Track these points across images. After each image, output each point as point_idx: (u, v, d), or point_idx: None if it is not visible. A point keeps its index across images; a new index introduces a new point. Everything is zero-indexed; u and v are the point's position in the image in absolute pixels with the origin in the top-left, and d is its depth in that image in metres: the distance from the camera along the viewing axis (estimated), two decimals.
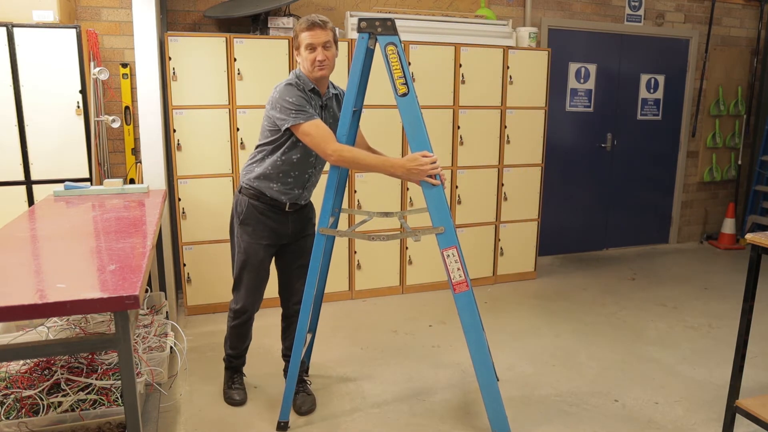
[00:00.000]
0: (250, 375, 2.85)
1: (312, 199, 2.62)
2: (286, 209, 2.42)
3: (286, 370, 2.69)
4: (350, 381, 2.87)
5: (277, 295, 2.66)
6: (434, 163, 2.18)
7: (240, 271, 2.47)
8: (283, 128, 2.25)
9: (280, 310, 2.68)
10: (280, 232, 2.45)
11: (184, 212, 3.58)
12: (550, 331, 3.53)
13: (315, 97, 2.32)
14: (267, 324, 3.22)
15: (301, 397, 2.58)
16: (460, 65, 4.00)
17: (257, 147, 2.42)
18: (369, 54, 2.24)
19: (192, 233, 3.61)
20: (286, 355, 2.69)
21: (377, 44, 2.20)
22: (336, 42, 2.32)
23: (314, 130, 2.20)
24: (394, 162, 2.22)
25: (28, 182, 3.19)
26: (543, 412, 2.59)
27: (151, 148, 3.28)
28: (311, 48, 2.25)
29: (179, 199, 3.56)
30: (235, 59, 3.50)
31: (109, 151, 3.71)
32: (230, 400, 2.67)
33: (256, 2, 3.60)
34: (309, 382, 2.71)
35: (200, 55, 3.45)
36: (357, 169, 2.21)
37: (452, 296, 2.22)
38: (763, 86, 5.65)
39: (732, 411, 2.30)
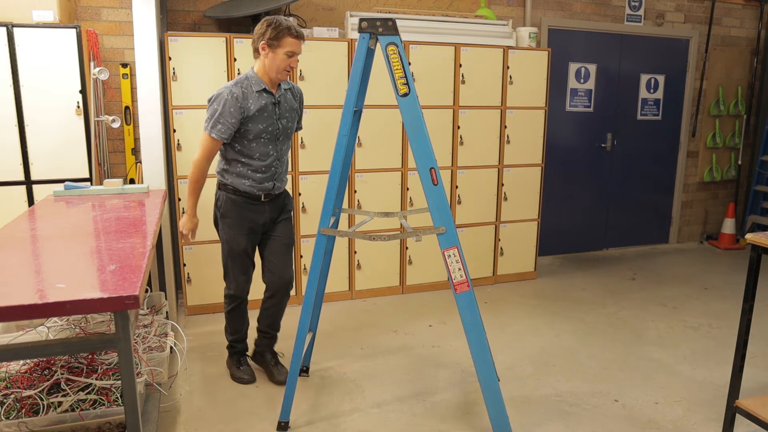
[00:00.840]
0: None
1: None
2: (262, 199, 2.65)
3: (257, 348, 2.87)
4: (350, 381, 2.87)
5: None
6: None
7: (227, 259, 2.71)
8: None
9: None
10: (258, 220, 2.67)
11: (184, 212, 3.57)
12: (550, 331, 3.53)
13: (266, 95, 2.52)
14: None
15: (277, 368, 2.80)
16: (460, 65, 4.00)
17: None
18: (370, 54, 2.25)
19: None
20: (262, 331, 2.83)
21: (378, 44, 2.20)
22: None
23: (204, 143, 2.50)
24: (186, 215, 2.68)
25: (28, 182, 3.19)
26: (543, 412, 2.59)
27: (151, 148, 3.28)
28: (291, 54, 2.47)
29: (179, 199, 3.56)
30: (235, 59, 3.50)
31: (109, 151, 3.71)
32: (240, 380, 2.83)
33: (256, 2, 3.60)
34: (281, 354, 2.95)
35: (200, 55, 3.45)
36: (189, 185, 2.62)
37: (452, 296, 2.23)
38: (763, 86, 5.65)
39: (732, 411, 2.30)
